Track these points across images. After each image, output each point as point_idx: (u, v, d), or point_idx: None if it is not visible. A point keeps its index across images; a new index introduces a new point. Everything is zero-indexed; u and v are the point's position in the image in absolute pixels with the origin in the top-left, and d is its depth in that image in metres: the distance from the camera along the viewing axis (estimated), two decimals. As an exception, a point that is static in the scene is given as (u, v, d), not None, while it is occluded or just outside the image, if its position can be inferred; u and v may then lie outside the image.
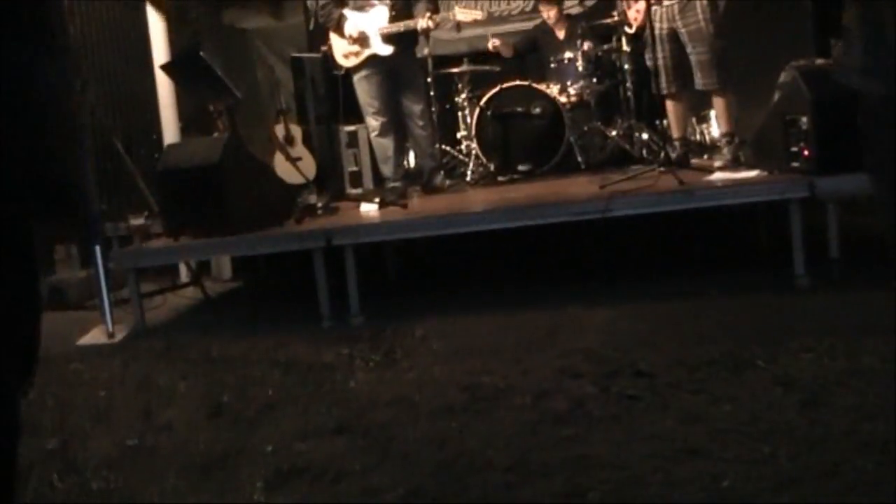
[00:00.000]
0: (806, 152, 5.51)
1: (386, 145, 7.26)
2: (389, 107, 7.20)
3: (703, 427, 3.51)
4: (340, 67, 7.34)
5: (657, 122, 7.87)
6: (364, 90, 7.19)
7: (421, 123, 7.22)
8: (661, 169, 6.35)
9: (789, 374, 3.94)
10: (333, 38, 7.24)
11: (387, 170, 7.32)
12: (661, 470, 3.17)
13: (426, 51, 7.89)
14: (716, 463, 3.17)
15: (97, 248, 6.12)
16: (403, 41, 7.10)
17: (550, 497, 3.08)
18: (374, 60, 7.09)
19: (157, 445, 3.96)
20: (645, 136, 7.86)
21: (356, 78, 7.22)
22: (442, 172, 7.62)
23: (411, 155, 7.92)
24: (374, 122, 7.23)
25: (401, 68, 7.16)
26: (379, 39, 7.04)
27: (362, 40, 7.06)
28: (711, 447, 3.31)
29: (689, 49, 6.46)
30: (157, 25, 7.87)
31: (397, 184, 7.25)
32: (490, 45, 8.21)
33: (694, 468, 3.15)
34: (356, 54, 7.12)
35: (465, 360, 4.75)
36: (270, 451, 3.74)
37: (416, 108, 7.20)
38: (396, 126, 7.26)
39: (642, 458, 3.28)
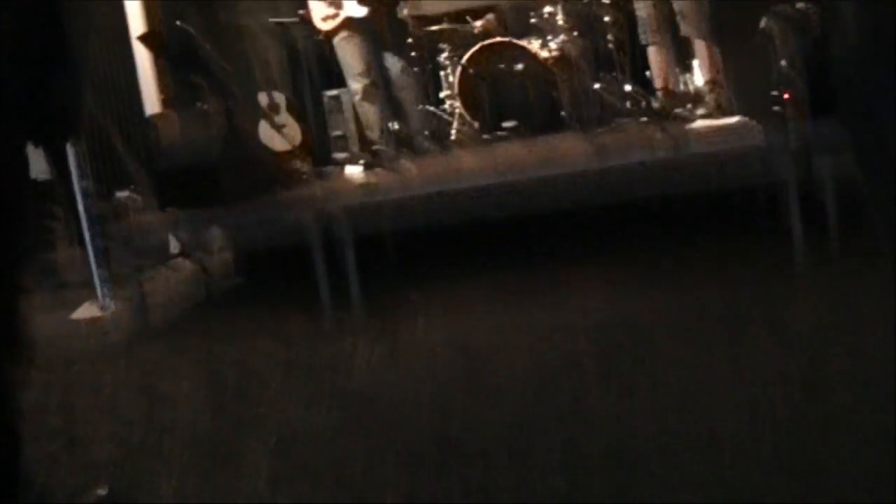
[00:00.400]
0: (787, 96, 5.51)
1: (368, 109, 7.24)
2: (371, 69, 7.16)
3: (700, 383, 3.53)
4: (319, 32, 7.31)
5: (645, 72, 7.85)
6: (344, 53, 7.15)
7: (402, 85, 7.19)
8: (645, 119, 6.36)
9: (784, 325, 3.96)
10: (311, 2, 7.20)
11: (372, 134, 7.30)
12: (657, 424, 3.20)
13: (405, 11, 7.84)
14: (714, 417, 3.19)
15: (87, 222, 6.12)
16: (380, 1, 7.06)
17: (551, 454, 3.11)
18: (352, 22, 7.05)
19: (155, 445, 3.92)
20: (628, 88, 7.84)
21: (336, 41, 7.18)
22: (427, 134, 7.58)
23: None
24: (355, 86, 7.21)
25: (379, 31, 7.12)
26: (353, 1, 6.99)
27: (337, 2, 7.02)
28: (710, 402, 3.33)
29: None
30: (133, -3, 7.82)
31: (382, 147, 7.23)
32: (475, 29, 8.15)
33: (689, 421, 3.18)
34: (333, 17, 7.08)
35: (461, 325, 4.77)
36: (273, 447, 3.71)
37: (396, 69, 7.17)
38: (379, 89, 7.23)
39: (638, 413, 3.31)
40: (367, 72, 7.16)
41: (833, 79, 2.14)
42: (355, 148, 8.03)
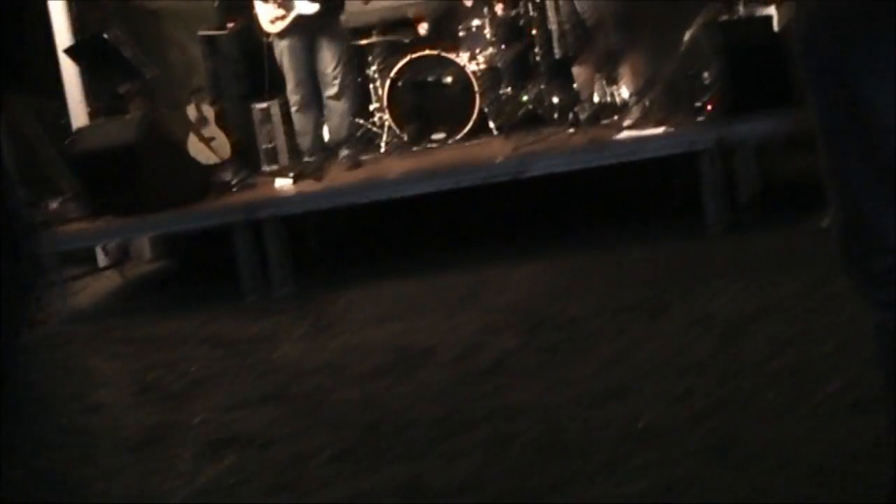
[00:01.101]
0: (709, 107, 5.64)
1: (305, 120, 7.22)
2: (309, 81, 7.13)
3: (624, 370, 3.61)
4: (268, 35, 7.24)
5: (572, 84, 7.94)
6: (287, 61, 7.10)
7: (334, 91, 7.15)
8: (572, 130, 6.45)
9: (706, 314, 4.06)
10: (258, 4, 7.13)
11: (304, 143, 7.28)
12: (582, 414, 3.26)
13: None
14: (635, 403, 3.27)
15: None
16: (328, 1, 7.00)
17: (475, 447, 3.15)
18: (299, 25, 6.96)
19: (90, 425, 3.96)
20: (556, 99, 7.92)
21: (279, 47, 7.13)
22: (354, 148, 7.54)
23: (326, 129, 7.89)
24: (294, 97, 7.18)
25: (322, 32, 7.04)
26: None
27: (287, 3, 6.96)
28: (631, 388, 3.41)
29: (579, 9, 6.58)
30: (57, 8, 7.74)
31: (312, 158, 7.22)
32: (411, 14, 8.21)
33: (614, 409, 3.24)
34: (282, 18, 7.00)
35: (391, 324, 4.81)
36: (200, 423, 3.76)
37: (330, 73, 7.11)
38: (315, 100, 7.20)
39: (564, 405, 3.37)
40: (306, 83, 7.12)
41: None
42: (285, 160, 8.04)
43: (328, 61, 7.10)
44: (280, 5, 6.95)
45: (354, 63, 7.96)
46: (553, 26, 6.78)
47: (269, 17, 7.05)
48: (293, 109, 7.23)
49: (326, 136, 7.86)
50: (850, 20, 1.82)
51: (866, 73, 1.81)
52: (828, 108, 1.92)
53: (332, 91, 7.14)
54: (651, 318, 4.15)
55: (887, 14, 1.78)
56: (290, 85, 7.16)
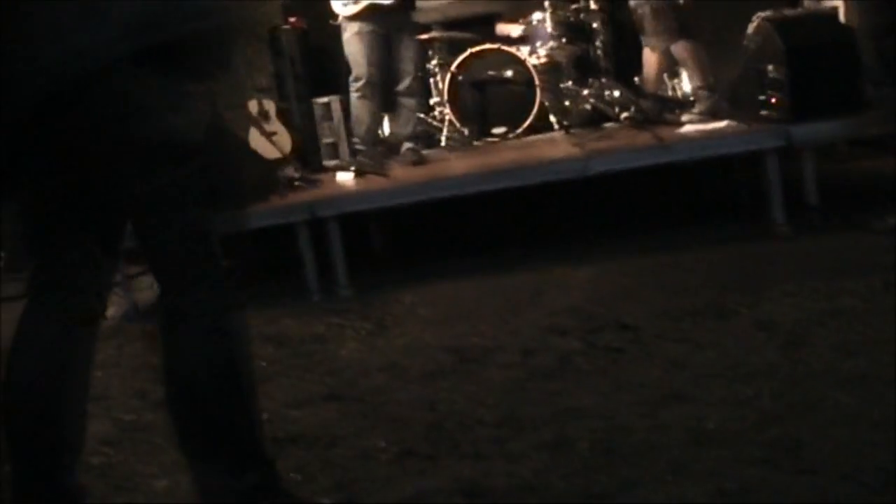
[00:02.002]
0: (774, 100, 5.58)
1: (363, 108, 7.18)
2: (377, 69, 7.08)
3: (688, 374, 3.58)
4: (337, 17, 7.20)
5: (634, 78, 7.90)
6: (356, 46, 7.05)
7: (406, 86, 7.11)
8: (630, 123, 6.44)
9: (771, 319, 4.02)
10: None
11: (359, 132, 7.25)
12: (647, 416, 3.24)
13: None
14: (700, 406, 3.25)
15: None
16: None
17: (540, 448, 3.15)
18: (371, 14, 6.93)
19: (156, 422, 4.00)
20: (617, 93, 7.88)
21: (347, 35, 7.07)
22: (417, 143, 7.54)
23: (386, 124, 7.90)
24: (357, 83, 7.13)
25: (399, 27, 7.02)
26: None
27: None
28: (696, 392, 3.39)
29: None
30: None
31: (364, 148, 7.20)
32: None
33: (679, 413, 3.22)
34: (356, 2, 6.97)
35: (454, 324, 4.81)
36: (265, 420, 3.78)
37: (405, 68, 7.08)
38: (379, 91, 7.18)
39: (628, 407, 3.36)
40: (373, 71, 7.06)
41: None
42: (346, 155, 8.05)
43: (405, 56, 7.07)
44: None
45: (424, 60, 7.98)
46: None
47: (342, 1, 6.99)
48: (356, 96, 7.14)
49: (387, 129, 7.88)
50: None
51: None
52: None
53: (405, 86, 7.12)
54: (716, 321, 4.13)
55: None
56: (356, 70, 7.08)
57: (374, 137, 7.30)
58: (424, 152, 7.55)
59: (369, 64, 7.00)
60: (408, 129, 7.34)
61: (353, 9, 6.90)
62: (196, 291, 2.63)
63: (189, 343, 2.63)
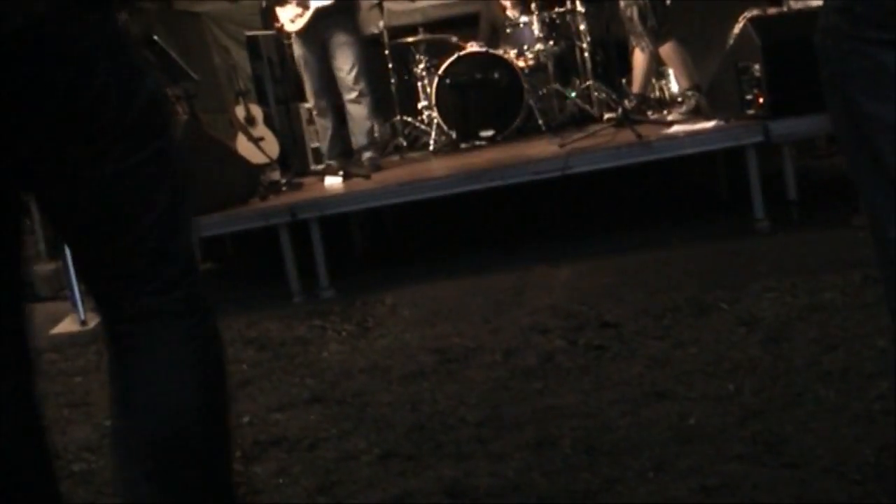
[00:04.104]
0: (760, 99, 5.58)
1: (319, 124, 7.32)
2: (325, 87, 7.15)
3: (670, 370, 3.58)
4: (289, 36, 7.30)
5: (621, 79, 7.95)
6: (304, 66, 7.15)
7: (353, 96, 7.11)
8: (613, 122, 6.47)
9: (752, 314, 4.02)
10: (279, 10, 7.16)
11: (322, 147, 7.38)
12: (630, 414, 3.24)
13: (381, 24, 7.89)
14: (682, 403, 3.24)
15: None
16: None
17: (523, 447, 3.14)
18: (314, 26, 6.95)
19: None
20: (602, 95, 7.91)
21: (297, 52, 7.18)
22: (374, 150, 7.45)
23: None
24: (312, 101, 7.26)
25: (337, 33, 7.00)
26: None
27: (304, 1, 6.94)
28: (678, 389, 3.38)
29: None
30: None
31: (331, 162, 7.25)
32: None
33: (661, 409, 3.22)
34: (301, 15, 7.00)
35: (435, 324, 4.81)
36: (247, 423, 3.78)
37: (346, 77, 7.06)
38: (330, 106, 7.25)
39: (611, 404, 3.35)
40: (323, 90, 7.16)
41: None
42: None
43: (343, 65, 7.05)
44: (298, 3, 6.94)
45: (397, 63, 7.99)
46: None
47: (289, 16, 7.06)
48: (314, 114, 7.29)
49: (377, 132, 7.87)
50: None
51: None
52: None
53: (351, 95, 7.11)
54: (697, 317, 4.13)
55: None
56: (308, 91, 7.27)
57: (338, 150, 7.35)
58: (412, 155, 7.59)
59: (318, 84, 7.16)
60: (363, 139, 7.30)
61: (301, 22, 6.96)
62: (175, 291, 2.19)
63: (173, 356, 2.16)
